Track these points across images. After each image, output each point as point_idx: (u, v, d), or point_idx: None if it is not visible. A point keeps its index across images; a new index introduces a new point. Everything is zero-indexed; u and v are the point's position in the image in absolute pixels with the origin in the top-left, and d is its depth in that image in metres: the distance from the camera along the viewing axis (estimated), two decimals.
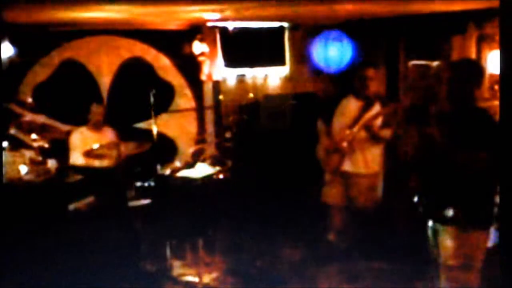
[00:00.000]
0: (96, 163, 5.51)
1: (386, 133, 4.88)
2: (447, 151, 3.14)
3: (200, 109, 7.30)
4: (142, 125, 6.83)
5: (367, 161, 4.92)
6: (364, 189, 4.95)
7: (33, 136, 5.28)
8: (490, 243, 3.26)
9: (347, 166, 4.92)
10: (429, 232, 3.38)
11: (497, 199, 3.03)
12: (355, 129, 4.83)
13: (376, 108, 4.87)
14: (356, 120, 4.86)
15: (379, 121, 4.82)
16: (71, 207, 4.63)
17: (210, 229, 5.62)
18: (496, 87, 4.40)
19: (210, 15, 5.84)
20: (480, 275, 3.23)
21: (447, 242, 3.21)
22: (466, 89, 3.20)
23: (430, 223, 3.36)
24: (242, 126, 6.87)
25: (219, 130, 7.21)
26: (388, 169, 5.25)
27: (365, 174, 4.93)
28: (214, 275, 4.91)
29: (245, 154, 6.62)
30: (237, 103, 7.14)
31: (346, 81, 5.18)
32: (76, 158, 5.60)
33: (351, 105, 4.93)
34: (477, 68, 3.39)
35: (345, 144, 4.85)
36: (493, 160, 2.90)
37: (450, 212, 3.15)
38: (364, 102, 4.88)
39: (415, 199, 3.37)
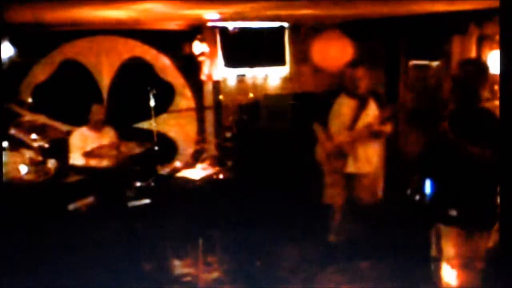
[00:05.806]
0: (96, 163, 5.52)
1: (387, 127, 4.86)
2: (454, 150, 3.14)
3: (200, 109, 7.30)
4: (142, 125, 6.83)
5: (370, 160, 4.91)
6: (368, 187, 4.93)
7: (33, 136, 5.28)
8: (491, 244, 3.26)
9: (351, 168, 4.89)
10: (432, 232, 3.38)
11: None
12: (356, 131, 4.82)
13: (372, 106, 4.85)
14: (354, 120, 4.84)
15: (377, 119, 4.82)
16: (71, 207, 4.63)
17: (210, 229, 5.62)
18: (496, 87, 4.39)
19: (210, 15, 5.83)
20: (482, 275, 3.23)
21: (450, 242, 3.21)
22: (473, 89, 3.19)
23: (433, 223, 3.36)
24: (242, 126, 6.87)
25: (219, 130, 7.21)
26: (391, 169, 5.24)
27: (369, 173, 4.92)
28: (214, 275, 4.91)
29: (245, 154, 6.61)
30: (237, 103, 7.14)
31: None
32: (76, 158, 5.61)
33: (346, 105, 4.90)
34: (484, 68, 3.38)
35: (348, 146, 4.83)
36: (497, 161, 2.90)
37: (453, 213, 3.15)
38: (357, 100, 4.86)
39: (418, 199, 3.37)
